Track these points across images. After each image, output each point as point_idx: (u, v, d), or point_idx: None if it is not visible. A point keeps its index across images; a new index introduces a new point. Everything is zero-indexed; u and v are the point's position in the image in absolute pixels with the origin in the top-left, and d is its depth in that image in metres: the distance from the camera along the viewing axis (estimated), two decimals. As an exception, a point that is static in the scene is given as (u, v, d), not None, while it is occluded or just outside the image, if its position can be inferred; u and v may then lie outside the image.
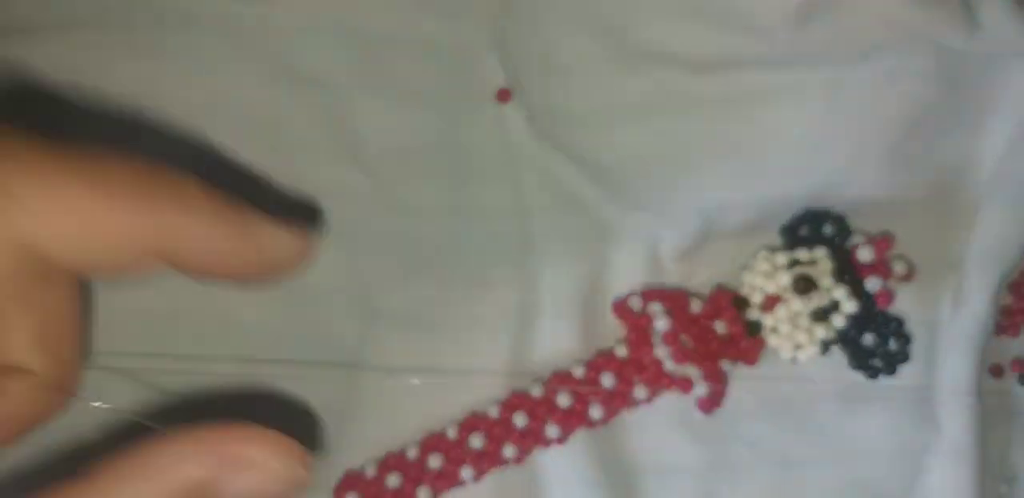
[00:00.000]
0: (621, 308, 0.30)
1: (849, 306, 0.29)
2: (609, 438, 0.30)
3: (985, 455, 0.30)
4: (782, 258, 0.30)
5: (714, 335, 0.30)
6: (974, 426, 0.30)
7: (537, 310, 0.30)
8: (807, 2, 0.28)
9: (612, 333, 0.31)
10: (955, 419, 0.30)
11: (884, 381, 0.30)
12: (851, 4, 0.28)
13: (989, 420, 0.31)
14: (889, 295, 0.30)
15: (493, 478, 0.30)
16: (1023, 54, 0.29)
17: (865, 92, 0.29)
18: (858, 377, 0.30)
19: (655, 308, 0.30)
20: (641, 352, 0.30)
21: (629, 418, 0.30)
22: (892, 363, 0.30)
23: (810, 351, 0.29)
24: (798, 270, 0.29)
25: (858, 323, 0.29)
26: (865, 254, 0.29)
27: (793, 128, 0.30)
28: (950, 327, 0.30)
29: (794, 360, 0.30)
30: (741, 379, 0.30)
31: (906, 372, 0.30)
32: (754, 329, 0.30)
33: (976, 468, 0.30)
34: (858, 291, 0.29)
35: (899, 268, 0.30)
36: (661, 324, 0.29)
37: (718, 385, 0.30)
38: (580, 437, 0.30)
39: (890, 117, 0.30)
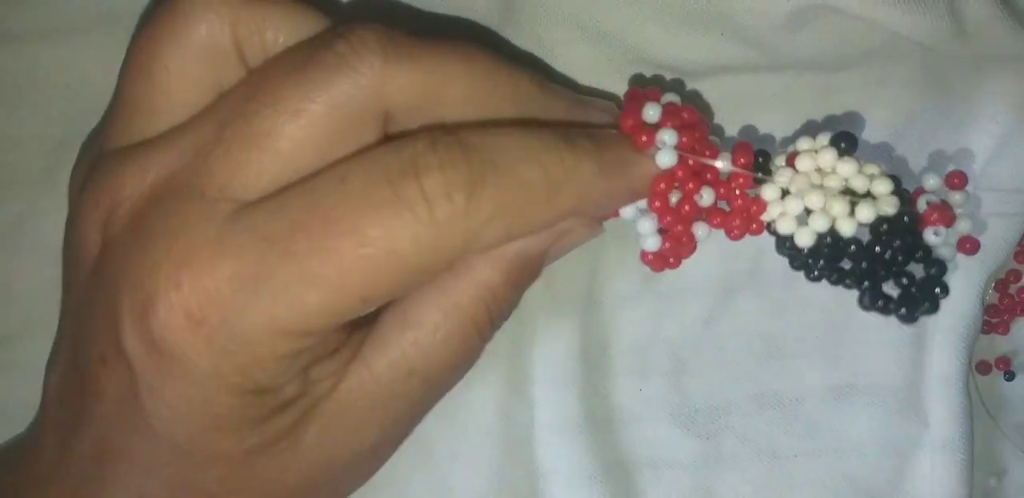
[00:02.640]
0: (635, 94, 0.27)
1: (887, 204, 0.24)
2: (606, 433, 0.31)
3: (973, 449, 0.31)
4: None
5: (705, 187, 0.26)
6: (962, 421, 0.30)
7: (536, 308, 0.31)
8: (798, 9, 0.28)
9: (603, 331, 0.31)
10: (944, 414, 0.30)
11: (873, 379, 0.31)
12: (840, 11, 0.28)
13: (976, 415, 0.31)
14: (946, 216, 0.25)
15: (493, 472, 0.30)
16: (1009, 56, 0.29)
17: (855, 97, 0.30)
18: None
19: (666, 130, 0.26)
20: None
21: (627, 414, 0.31)
22: (917, 304, 0.24)
23: (817, 224, 0.25)
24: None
25: (886, 235, 0.24)
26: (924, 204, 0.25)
27: (784, 131, 0.30)
28: (938, 324, 0.31)
29: (795, 230, 0.25)
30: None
31: (895, 368, 0.31)
32: (762, 162, 0.26)
33: (965, 462, 0.30)
34: (901, 197, 0.25)
35: (963, 225, 0.26)
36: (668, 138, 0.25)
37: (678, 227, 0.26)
38: (579, 433, 0.30)
39: (879, 120, 0.30)
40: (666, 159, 0.25)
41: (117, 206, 0.23)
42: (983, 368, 0.33)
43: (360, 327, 0.25)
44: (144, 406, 0.23)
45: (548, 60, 0.29)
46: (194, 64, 0.24)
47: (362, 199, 0.22)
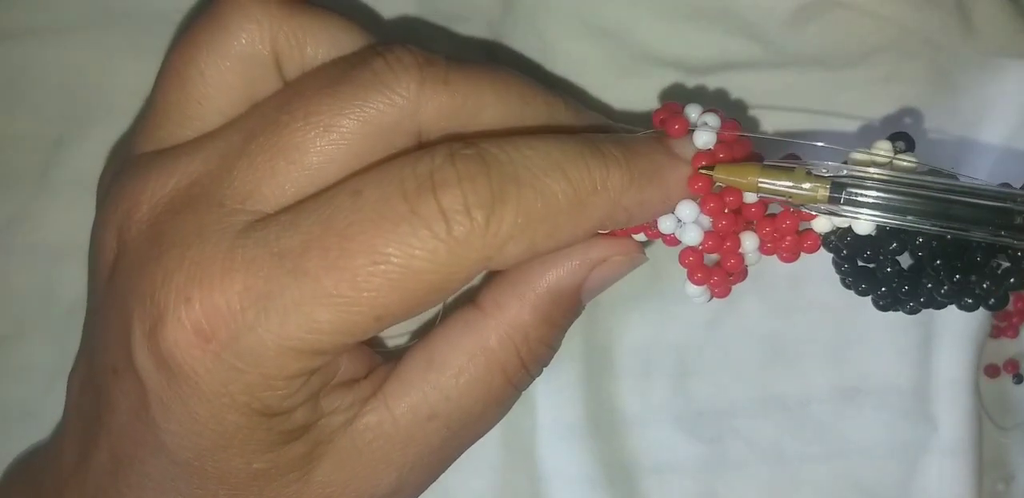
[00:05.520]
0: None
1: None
2: (609, 436, 0.30)
3: (982, 454, 0.30)
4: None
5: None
6: (971, 425, 0.30)
7: None
8: (803, 4, 0.28)
9: (606, 333, 0.31)
10: (952, 418, 0.30)
11: (881, 381, 0.30)
12: (847, 6, 0.28)
13: (986, 419, 0.31)
14: None
15: (494, 476, 0.30)
16: (1018, 55, 0.29)
17: (861, 94, 0.30)
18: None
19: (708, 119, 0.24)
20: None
21: (630, 417, 0.31)
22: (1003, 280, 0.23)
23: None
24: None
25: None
26: None
27: (789, 129, 0.30)
28: (946, 326, 0.30)
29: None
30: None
31: (903, 371, 0.30)
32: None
33: (973, 467, 0.30)
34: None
35: None
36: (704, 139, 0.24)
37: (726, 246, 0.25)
38: (581, 436, 0.30)
39: (887, 119, 0.30)
40: (704, 138, 0.24)
41: (134, 210, 0.23)
42: (991, 371, 0.32)
43: (386, 362, 0.25)
44: (155, 420, 0.22)
45: (549, 56, 0.29)
46: (230, 73, 0.23)
47: (377, 214, 0.21)
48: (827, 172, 0.23)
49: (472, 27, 0.30)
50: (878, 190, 0.23)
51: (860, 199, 0.23)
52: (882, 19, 0.28)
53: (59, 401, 0.26)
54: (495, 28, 0.30)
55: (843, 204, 0.23)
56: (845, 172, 0.23)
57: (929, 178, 0.23)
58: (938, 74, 0.30)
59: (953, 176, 0.24)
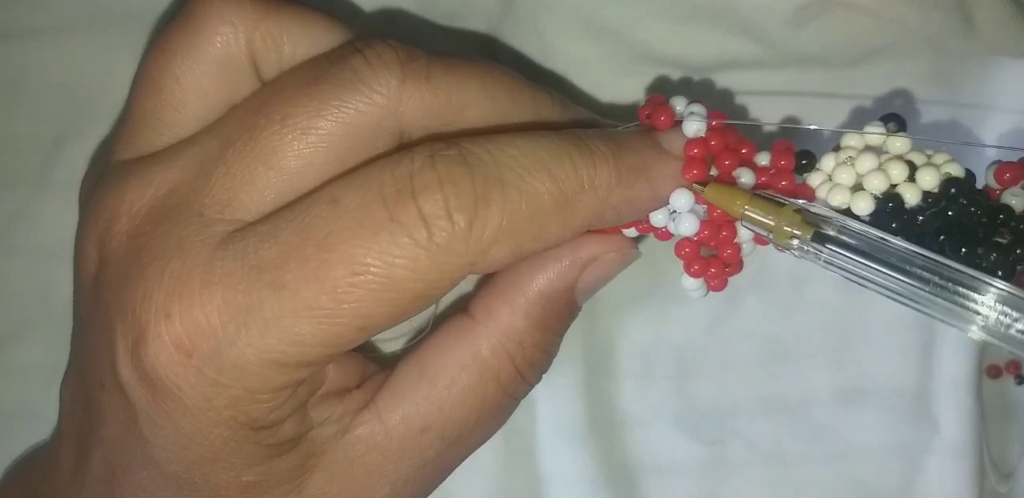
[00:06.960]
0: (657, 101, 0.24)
1: (952, 168, 0.22)
2: (610, 437, 0.30)
3: (983, 454, 0.30)
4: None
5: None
6: (973, 426, 0.30)
7: None
8: (804, 4, 0.28)
9: (607, 334, 0.31)
10: (954, 419, 0.30)
11: (882, 382, 0.30)
12: (848, 6, 0.28)
13: (987, 420, 0.31)
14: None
15: (494, 477, 0.30)
16: (1018, 54, 0.29)
17: (861, 93, 0.30)
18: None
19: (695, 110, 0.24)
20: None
21: (631, 418, 0.31)
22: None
23: (873, 185, 0.22)
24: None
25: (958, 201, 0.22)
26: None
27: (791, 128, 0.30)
28: (948, 327, 0.30)
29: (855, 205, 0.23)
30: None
31: (904, 371, 0.30)
32: (805, 164, 0.23)
33: (975, 467, 0.30)
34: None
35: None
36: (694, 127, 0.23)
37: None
38: (581, 437, 0.30)
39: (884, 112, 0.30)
40: (695, 126, 0.23)
41: (114, 222, 0.23)
42: (993, 372, 0.32)
43: (380, 369, 0.24)
44: (143, 433, 0.22)
45: (549, 55, 0.29)
46: (206, 78, 0.23)
47: (355, 223, 0.21)
48: (816, 211, 0.22)
49: (472, 26, 0.30)
50: (861, 256, 0.22)
51: (838, 261, 0.22)
52: (883, 18, 0.28)
53: (58, 401, 0.26)
54: (495, 27, 0.30)
55: (823, 258, 0.22)
56: (835, 220, 0.22)
57: (920, 250, 0.22)
58: (939, 73, 0.30)
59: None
